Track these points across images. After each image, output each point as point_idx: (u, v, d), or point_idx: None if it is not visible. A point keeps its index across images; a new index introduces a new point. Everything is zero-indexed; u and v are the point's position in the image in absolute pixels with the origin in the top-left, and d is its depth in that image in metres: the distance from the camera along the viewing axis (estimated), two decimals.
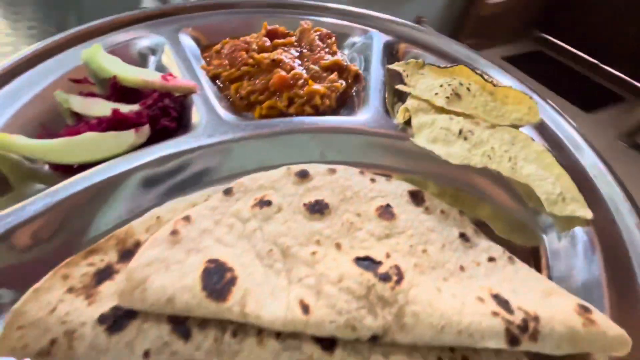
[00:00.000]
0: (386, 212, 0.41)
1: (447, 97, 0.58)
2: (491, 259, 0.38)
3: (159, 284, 0.30)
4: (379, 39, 0.71)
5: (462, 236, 0.41)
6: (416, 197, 0.45)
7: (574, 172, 0.49)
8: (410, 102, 0.55)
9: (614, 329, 0.30)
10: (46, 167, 0.43)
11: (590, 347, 0.30)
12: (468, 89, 0.59)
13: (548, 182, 0.45)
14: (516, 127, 0.56)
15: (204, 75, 0.58)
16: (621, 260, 0.40)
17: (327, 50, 0.67)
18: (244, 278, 0.32)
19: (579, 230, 0.44)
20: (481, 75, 0.60)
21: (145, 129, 0.45)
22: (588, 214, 0.43)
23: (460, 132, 0.51)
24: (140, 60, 0.58)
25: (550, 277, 0.42)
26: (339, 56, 0.65)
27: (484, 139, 0.51)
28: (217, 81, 0.59)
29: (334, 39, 0.70)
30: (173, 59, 0.58)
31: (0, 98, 0.45)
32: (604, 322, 0.31)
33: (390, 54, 0.69)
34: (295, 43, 0.68)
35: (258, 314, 0.29)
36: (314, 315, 0.30)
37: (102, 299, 0.30)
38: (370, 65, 0.66)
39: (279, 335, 0.30)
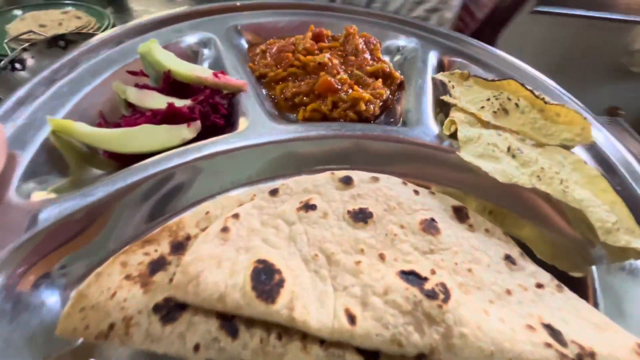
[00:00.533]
0: (430, 226, 0.40)
1: (494, 112, 0.56)
2: (539, 285, 0.37)
3: (211, 280, 0.30)
4: (424, 48, 0.70)
5: (508, 258, 0.40)
6: (460, 213, 0.44)
7: (629, 200, 0.46)
8: (456, 115, 0.54)
9: None
10: (101, 154, 0.46)
11: None
12: (516, 104, 0.58)
13: (602, 209, 0.43)
14: (566, 147, 0.54)
15: (251, 74, 0.59)
16: None
17: (371, 55, 0.67)
18: (291, 281, 0.32)
19: (634, 264, 0.41)
20: (531, 91, 0.58)
21: (197, 124, 0.46)
22: None
23: (509, 149, 0.50)
24: (192, 55, 0.60)
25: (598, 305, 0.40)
26: (382, 62, 0.65)
27: (533, 158, 0.49)
28: (263, 80, 0.60)
29: (378, 44, 0.69)
30: (222, 56, 0.59)
31: (65, 86, 0.48)
32: None
33: (435, 63, 0.68)
34: (340, 47, 0.68)
35: (306, 319, 0.29)
36: (360, 327, 0.30)
37: (156, 288, 0.31)
38: (414, 74, 0.65)
39: (322, 342, 0.30)
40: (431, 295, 0.32)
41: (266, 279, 0.31)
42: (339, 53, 0.66)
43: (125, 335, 0.29)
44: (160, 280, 0.32)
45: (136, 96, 0.50)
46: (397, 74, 0.64)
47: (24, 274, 0.32)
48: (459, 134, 0.51)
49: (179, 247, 0.35)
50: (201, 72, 0.52)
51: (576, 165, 0.50)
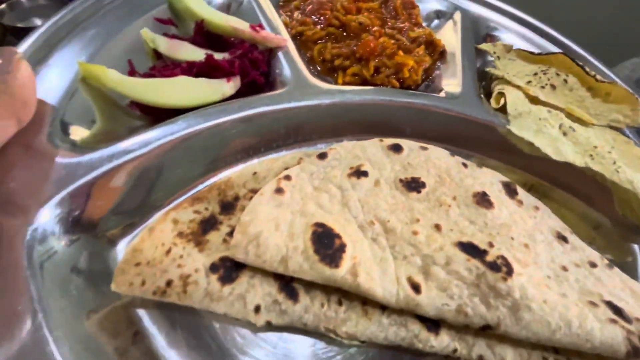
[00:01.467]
0: (483, 200, 0.39)
1: (542, 87, 0.54)
2: (592, 264, 0.36)
3: (272, 242, 0.29)
4: (467, 15, 0.65)
5: (560, 235, 0.39)
6: (509, 188, 0.43)
7: None
8: (505, 87, 0.52)
9: None
10: (132, 107, 0.42)
11: None
12: (565, 80, 0.55)
13: None
14: (614, 128, 0.52)
15: (287, 31, 0.55)
16: None
17: (412, 19, 0.62)
18: (352, 247, 0.31)
19: None
20: (582, 67, 0.55)
21: (237, 80, 0.43)
22: None
23: (561, 126, 0.48)
24: (222, 4, 0.55)
25: None
26: (424, 28, 0.61)
27: (585, 137, 0.47)
28: (299, 38, 0.56)
29: (418, 9, 0.65)
30: (256, 8, 0.54)
31: (89, 29, 0.43)
32: None
33: (477, 32, 0.64)
34: (379, 8, 0.63)
35: (370, 286, 0.28)
36: (426, 296, 0.29)
37: (211, 247, 0.30)
38: (455, 42, 0.61)
39: (383, 309, 0.30)
40: (494, 267, 0.31)
41: (328, 243, 0.30)
42: (378, 15, 0.62)
43: (183, 293, 0.27)
44: (214, 239, 0.30)
45: (167, 47, 0.46)
46: (440, 41, 0.60)
47: (70, 224, 0.30)
48: (509, 108, 0.48)
49: (229, 206, 0.33)
50: (237, 23, 0.48)
51: (626, 147, 0.48)
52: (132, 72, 0.43)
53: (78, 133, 0.36)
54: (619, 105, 0.53)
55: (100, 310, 0.28)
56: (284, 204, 0.32)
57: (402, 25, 0.60)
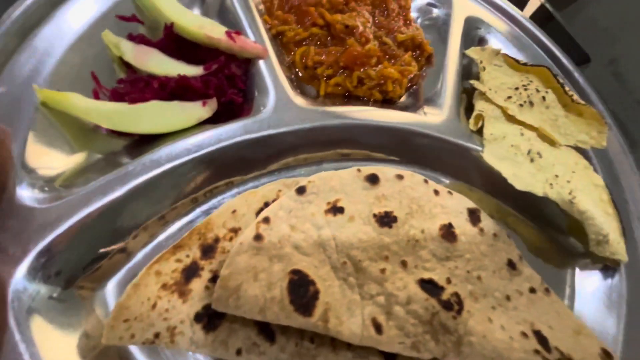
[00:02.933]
0: (448, 233, 0.42)
1: (521, 105, 0.55)
2: (532, 290, 0.42)
3: (251, 293, 0.31)
4: (460, 12, 0.62)
5: (510, 263, 0.44)
6: (473, 216, 0.46)
7: (621, 212, 0.51)
8: (484, 108, 0.52)
9: None
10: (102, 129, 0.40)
11: None
12: (544, 97, 0.56)
13: (599, 221, 0.47)
14: (579, 148, 0.55)
15: (267, 31, 0.50)
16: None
17: (402, 15, 0.59)
18: (324, 291, 0.34)
19: (608, 269, 0.47)
20: (562, 86, 0.55)
21: (213, 103, 0.41)
22: (624, 258, 0.46)
23: (529, 152, 0.50)
24: (191, 1, 0.49)
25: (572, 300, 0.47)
26: (414, 28, 0.57)
27: (550, 163, 0.50)
28: (280, 38, 0.52)
29: (409, 2, 0.60)
30: (235, 4, 0.49)
31: (40, 36, 0.38)
32: None
33: (469, 32, 0.62)
34: (368, 0, 0.58)
35: (339, 330, 0.32)
36: (386, 335, 0.33)
37: (194, 297, 0.32)
38: (443, 44, 0.59)
39: (349, 345, 0.34)
40: (447, 306, 0.36)
41: (302, 292, 0.33)
42: (368, 8, 0.57)
43: (170, 342, 0.30)
44: (196, 287, 0.32)
45: (135, 55, 0.42)
46: (428, 45, 0.57)
47: (48, 278, 0.31)
48: (485, 132, 0.50)
49: (209, 249, 0.35)
50: (211, 29, 0.44)
51: (585, 172, 0.52)
52: (96, 91, 0.40)
53: (47, 171, 0.35)
54: (588, 126, 0.55)
55: (94, 350, 0.31)
56: (262, 249, 0.34)
57: (391, 21, 0.57)
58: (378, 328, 0.34)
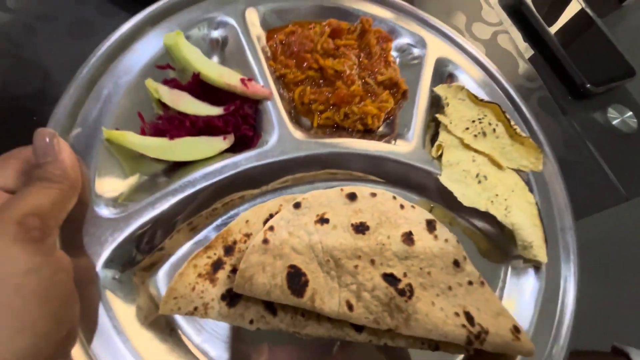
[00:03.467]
0: (408, 239, 0.55)
1: (475, 135, 0.68)
2: (470, 283, 0.56)
3: (260, 281, 0.45)
4: (433, 53, 0.74)
5: (455, 262, 0.57)
6: (430, 225, 0.59)
7: (547, 222, 0.64)
8: (445, 138, 0.65)
9: (528, 344, 0.50)
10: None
11: (513, 352, 0.50)
12: (494, 129, 0.69)
13: (526, 232, 0.61)
14: (521, 171, 0.69)
15: (272, 73, 0.63)
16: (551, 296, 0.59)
17: (383, 57, 0.71)
18: (312, 280, 0.47)
19: (533, 268, 0.62)
20: (508, 120, 0.69)
21: (231, 138, 0.54)
22: (544, 260, 0.60)
23: (477, 175, 0.64)
24: (214, 44, 0.61)
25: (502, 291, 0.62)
26: (392, 69, 0.70)
27: (493, 184, 0.64)
28: (282, 79, 0.65)
29: (390, 44, 0.73)
30: (244, 49, 0.61)
31: (103, 90, 0.50)
32: (525, 339, 0.51)
33: (438, 73, 0.74)
34: (355, 42, 0.71)
35: (322, 307, 0.46)
36: (355, 312, 0.47)
37: (220, 283, 0.45)
38: (418, 83, 0.72)
39: (329, 319, 0.48)
40: (402, 293, 0.50)
41: (296, 281, 0.46)
42: (355, 51, 0.70)
43: (205, 314, 0.43)
44: (221, 277, 0.46)
45: (170, 98, 0.54)
46: (403, 83, 0.70)
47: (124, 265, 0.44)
48: (443, 159, 0.63)
49: (230, 249, 0.48)
50: (229, 77, 0.56)
51: (522, 192, 0.66)
52: (143, 129, 0.52)
53: (112, 191, 0.47)
54: (527, 154, 0.69)
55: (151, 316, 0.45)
56: (268, 250, 0.47)
57: (374, 63, 0.69)
58: (350, 307, 0.47)
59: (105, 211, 0.45)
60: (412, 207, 0.61)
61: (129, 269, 0.46)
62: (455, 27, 0.90)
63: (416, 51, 0.76)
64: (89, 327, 0.40)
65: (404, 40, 0.76)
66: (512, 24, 0.96)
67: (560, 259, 0.62)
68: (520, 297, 0.60)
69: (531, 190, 0.67)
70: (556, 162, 0.70)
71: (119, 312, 0.42)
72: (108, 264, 0.43)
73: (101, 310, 0.41)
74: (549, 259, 0.61)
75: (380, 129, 0.68)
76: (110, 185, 0.47)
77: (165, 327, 0.45)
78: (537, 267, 0.62)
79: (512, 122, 0.69)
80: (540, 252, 0.60)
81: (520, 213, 0.63)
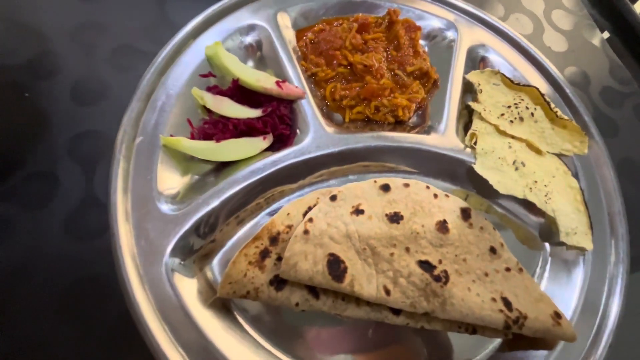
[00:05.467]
0: (443, 227, 0.57)
1: (511, 121, 0.66)
2: (507, 269, 0.56)
3: (303, 268, 0.49)
4: (465, 37, 0.73)
5: (492, 249, 0.58)
6: (465, 213, 0.60)
7: (593, 207, 0.62)
8: (478, 126, 0.65)
9: (569, 329, 0.50)
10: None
11: (554, 337, 0.51)
12: (532, 114, 0.67)
13: (569, 217, 0.59)
14: (564, 155, 0.66)
15: (303, 73, 0.66)
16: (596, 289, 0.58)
17: (412, 47, 0.71)
18: (351, 267, 0.51)
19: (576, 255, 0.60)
20: (548, 104, 0.66)
21: (270, 137, 0.58)
22: (589, 247, 0.58)
23: (514, 162, 0.63)
24: (250, 50, 0.66)
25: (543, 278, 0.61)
26: (422, 59, 0.70)
27: (531, 171, 0.62)
28: (314, 77, 0.68)
29: (418, 33, 0.72)
30: (278, 54, 0.65)
31: (158, 100, 0.57)
32: (566, 324, 0.50)
33: (471, 58, 0.73)
34: (383, 35, 0.71)
35: (361, 292, 0.49)
36: (392, 297, 0.50)
37: (267, 270, 0.50)
38: (447, 68, 0.71)
39: (368, 303, 0.51)
40: (437, 278, 0.51)
41: (336, 267, 0.50)
42: (383, 44, 0.70)
43: (256, 297, 0.49)
44: (268, 264, 0.51)
45: (213, 103, 0.59)
46: (434, 72, 0.70)
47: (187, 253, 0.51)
48: (478, 147, 0.63)
49: (275, 240, 0.53)
50: (265, 81, 0.60)
51: (564, 176, 0.63)
52: (192, 134, 0.58)
53: (171, 190, 0.54)
54: (571, 137, 0.66)
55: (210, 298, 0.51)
56: (309, 240, 0.51)
57: (402, 55, 0.70)
58: (387, 292, 0.50)
59: (166, 207, 0.51)
60: (446, 195, 0.61)
61: (189, 257, 0.53)
62: (533, 14, 0.86)
63: (448, 36, 0.75)
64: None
65: (434, 25, 0.75)
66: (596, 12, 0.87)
67: (607, 245, 0.60)
68: (563, 285, 0.59)
69: (575, 175, 0.65)
70: (604, 146, 0.66)
71: (185, 295, 0.49)
72: (173, 253, 0.50)
73: (171, 292, 0.48)
74: (595, 246, 0.59)
75: (412, 119, 0.69)
76: (170, 184, 0.54)
77: (222, 308, 0.52)
78: (581, 254, 0.61)
79: (553, 105, 0.66)
80: (584, 239, 0.59)
81: (562, 199, 0.61)
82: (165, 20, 0.72)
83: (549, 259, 0.62)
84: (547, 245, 0.63)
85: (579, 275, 0.59)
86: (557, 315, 0.51)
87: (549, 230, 0.63)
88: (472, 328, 0.52)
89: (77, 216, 0.55)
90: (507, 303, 0.52)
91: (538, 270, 0.61)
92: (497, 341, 0.57)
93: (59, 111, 0.60)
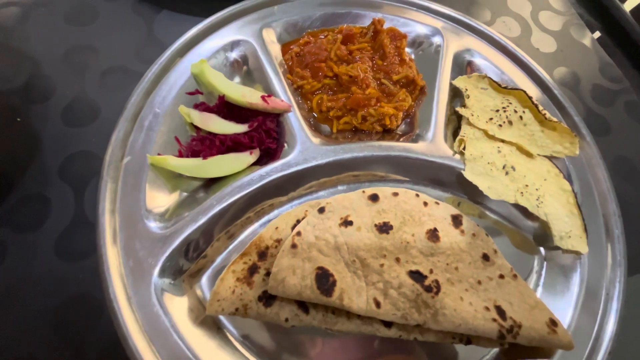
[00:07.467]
0: (433, 235, 0.56)
1: (500, 125, 0.66)
2: (501, 276, 0.55)
3: (291, 283, 0.49)
4: (450, 47, 0.73)
5: (484, 256, 0.57)
6: (456, 220, 0.60)
7: (587, 209, 0.61)
8: (466, 132, 0.64)
9: (566, 337, 0.49)
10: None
11: (550, 346, 0.49)
12: (521, 117, 0.67)
13: (562, 221, 0.58)
14: (555, 157, 0.65)
15: (289, 86, 0.66)
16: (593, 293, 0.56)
17: (397, 55, 0.71)
18: (340, 280, 0.50)
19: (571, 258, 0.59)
20: (536, 106, 0.66)
21: (257, 152, 0.59)
22: (584, 250, 0.57)
23: (504, 166, 0.62)
24: (236, 66, 0.67)
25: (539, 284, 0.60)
26: (408, 66, 0.70)
27: (522, 174, 0.62)
28: (300, 90, 0.68)
29: (404, 41, 0.73)
30: (263, 67, 0.65)
31: (145, 117, 0.58)
32: (562, 332, 0.49)
33: (457, 63, 0.73)
34: (369, 45, 0.72)
35: (350, 305, 0.49)
36: (383, 309, 0.49)
37: (256, 286, 0.50)
38: (434, 75, 0.71)
39: (359, 316, 0.51)
40: (428, 289, 0.51)
41: (325, 281, 0.49)
42: (368, 54, 0.71)
43: (245, 313, 0.49)
44: (257, 280, 0.51)
45: (200, 120, 0.60)
46: (420, 79, 0.70)
47: (173, 272, 0.51)
48: (466, 153, 0.62)
49: (263, 255, 0.53)
50: (251, 96, 0.61)
51: (555, 179, 0.63)
52: (180, 151, 0.58)
53: (159, 208, 0.54)
54: (561, 139, 0.65)
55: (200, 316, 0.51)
56: (297, 254, 0.51)
57: (388, 64, 0.70)
58: (377, 304, 0.50)
59: (154, 225, 0.52)
60: (437, 203, 0.61)
61: (179, 276, 0.53)
62: (520, 17, 0.86)
63: (434, 42, 0.75)
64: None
65: (420, 32, 0.75)
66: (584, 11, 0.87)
67: (603, 247, 0.59)
68: (559, 290, 0.58)
69: (568, 177, 0.64)
70: (596, 146, 0.65)
71: (175, 314, 0.49)
72: (161, 273, 0.50)
73: (160, 312, 0.48)
74: (591, 249, 0.58)
75: (401, 127, 0.69)
76: (159, 202, 0.54)
77: (212, 326, 0.51)
78: (577, 258, 0.59)
79: (541, 107, 0.66)
80: (579, 242, 0.58)
81: (554, 202, 0.60)
82: (154, 39, 0.73)
83: (545, 263, 0.61)
84: (542, 249, 0.62)
85: (575, 279, 0.58)
86: (553, 323, 0.50)
87: (544, 235, 0.62)
88: (466, 338, 0.51)
89: (67, 237, 0.55)
90: (500, 312, 0.51)
91: (534, 275, 0.60)
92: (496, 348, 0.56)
93: (51, 134, 0.61)
